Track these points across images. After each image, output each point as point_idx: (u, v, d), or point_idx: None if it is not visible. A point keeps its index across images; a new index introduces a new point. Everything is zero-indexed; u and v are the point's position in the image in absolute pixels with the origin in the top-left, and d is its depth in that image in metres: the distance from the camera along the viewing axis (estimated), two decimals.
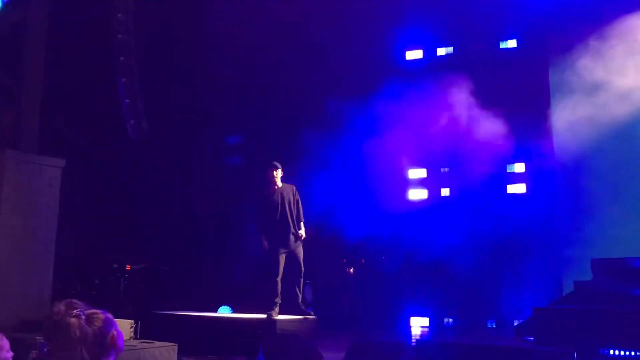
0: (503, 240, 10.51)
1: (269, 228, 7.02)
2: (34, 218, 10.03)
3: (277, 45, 11.58)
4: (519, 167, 11.10)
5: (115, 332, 2.37)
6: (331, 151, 10.89)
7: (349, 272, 12.57)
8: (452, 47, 11.86)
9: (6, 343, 3.19)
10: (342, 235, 10.90)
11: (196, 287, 11.36)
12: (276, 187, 7.11)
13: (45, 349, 3.06)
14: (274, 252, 6.94)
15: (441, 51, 11.94)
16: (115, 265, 11.17)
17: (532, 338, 7.37)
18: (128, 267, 11.25)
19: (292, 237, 7.03)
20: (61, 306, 2.97)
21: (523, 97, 10.91)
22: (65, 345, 2.26)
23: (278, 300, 6.95)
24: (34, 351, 3.15)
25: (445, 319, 11.06)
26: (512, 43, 11.36)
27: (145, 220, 12.11)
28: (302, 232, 7.14)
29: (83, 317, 2.30)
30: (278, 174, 7.16)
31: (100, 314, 2.37)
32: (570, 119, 10.00)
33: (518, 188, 11.11)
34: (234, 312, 8.79)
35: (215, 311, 8.86)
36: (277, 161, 7.34)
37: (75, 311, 2.30)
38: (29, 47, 10.56)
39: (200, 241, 12.28)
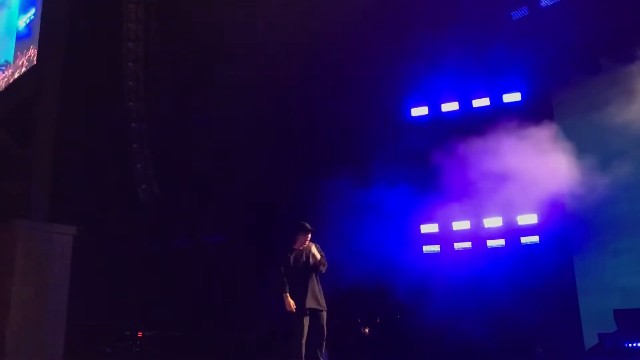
0: (521, 294, 10.36)
1: (294, 288, 6.84)
2: (45, 287, 9.94)
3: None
4: (531, 219, 11.04)
5: None
6: (340, 206, 10.88)
7: (364, 332, 12.32)
8: (456, 102, 12.03)
9: None
10: (355, 293, 10.76)
11: (209, 352, 11.12)
12: (302, 247, 6.96)
13: None
14: (299, 312, 6.77)
15: (446, 107, 12.10)
16: (127, 333, 10.99)
17: None
18: (140, 334, 11.07)
19: (317, 298, 6.85)
20: None
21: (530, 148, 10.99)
22: None
23: None
24: None
25: None
26: (516, 96, 11.52)
27: (157, 286, 12.00)
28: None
29: None
30: (308, 237, 7.00)
31: None
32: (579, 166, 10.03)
33: (531, 239, 11.03)
34: None
35: None
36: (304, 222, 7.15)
37: None
38: (40, 118, 10.75)
39: (211, 306, 12.11)
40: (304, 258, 6.87)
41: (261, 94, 11.25)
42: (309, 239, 6.90)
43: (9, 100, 11.77)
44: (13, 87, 11.71)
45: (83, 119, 11.25)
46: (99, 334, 11.03)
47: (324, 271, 6.85)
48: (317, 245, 7.00)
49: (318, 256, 6.81)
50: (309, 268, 6.82)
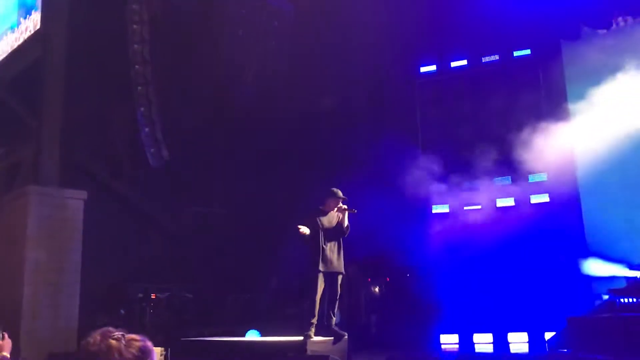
0: (529, 253, 10.37)
1: (314, 248, 6.93)
2: (58, 251, 10.10)
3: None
4: (541, 177, 10.97)
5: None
6: (351, 169, 10.87)
7: (375, 291, 12.45)
8: (465, 60, 11.87)
9: None
10: (367, 254, 10.82)
11: (221, 313, 11.30)
12: (331, 212, 7.04)
13: None
14: (316, 272, 6.85)
15: (455, 64, 11.95)
16: (140, 295, 11.17)
17: (566, 350, 7.20)
18: (153, 296, 11.24)
19: (334, 259, 6.94)
20: (97, 336, 2.96)
21: (541, 105, 10.87)
22: None
23: (314, 321, 6.85)
24: None
25: (475, 335, 10.86)
26: (525, 52, 11.34)
27: (169, 248, 12.14)
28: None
29: (123, 341, 2.27)
30: (339, 203, 7.07)
31: (140, 341, 2.31)
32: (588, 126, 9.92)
33: (541, 198, 10.98)
34: (262, 336, 8.71)
35: (243, 336, 8.79)
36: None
37: (116, 334, 2.27)
38: (48, 83, 10.71)
39: (223, 266, 12.24)
40: (330, 222, 6.94)
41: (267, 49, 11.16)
42: (340, 204, 6.97)
43: (15, 66, 11.72)
44: (18, 52, 11.64)
45: (90, 81, 11.20)
46: (113, 296, 11.21)
47: (345, 235, 6.96)
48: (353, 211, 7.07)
49: (346, 222, 6.91)
50: (334, 232, 6.91)
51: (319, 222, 6.90)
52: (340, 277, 6.96)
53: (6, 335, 3.25)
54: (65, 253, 10.13)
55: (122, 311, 11.10)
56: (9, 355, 3.28)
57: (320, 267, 6.77)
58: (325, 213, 6.99)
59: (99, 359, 2.27)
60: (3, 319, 9.65)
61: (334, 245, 6.90)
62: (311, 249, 6.90)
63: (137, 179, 12.10)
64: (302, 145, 12.14)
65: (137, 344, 2.30)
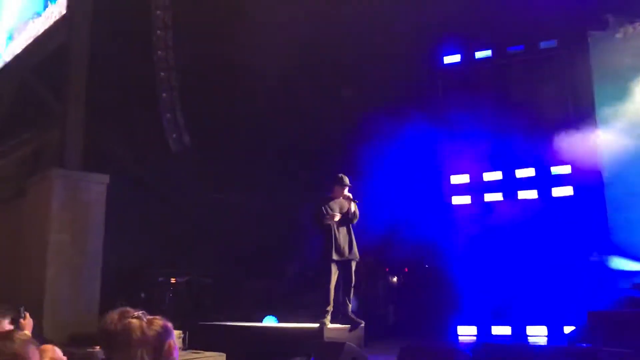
0: (550, 245, 10.25)
1: (326, 236, 6.95)
2: (81, 234, 10.26)
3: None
4: (565, 169, 10.81)
5: (172, 342, 2.34)
6: (371, 159, 10.83)
7: (392, 281, 12.43)
8: (489, 50, 11.71)
9: (60, 355, 3.25)
10: (384, 244, 10.80)
11: (240, 298, 11.38)
12: (339, 199, 7.04)
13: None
14: (329, 261, 6.87)
15: (479, 54, 11.79)
16: (160, 279, 11.31)
17: (586, 345, 7.11)
18: (173, 280, 11.37)
19: (347, 246, 6.95)
20: (114, 315, 3.01)
21: (566, 97, 10.71)
22: (124, 346, 2.24)
23: (330, 308, 6.88)
24: None
25: (493, 327, 10.79)
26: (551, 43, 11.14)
27: (189, 234, 12.24)
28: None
29: (144, 320, 2.29)
30: (345, 190, 7.06)
31: (160, 321, 2.34)
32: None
33: (564, 190, 10.81)
34: (279, 322, 8.77)
35: (261, 321, 8.85)
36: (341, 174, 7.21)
37: (135, 313, 2.29)
38: (72, 67, 10.84)
39: (242, 252, 12.33)
40: (341, 209, 6.96)
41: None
42: (345, 191, 6.97)
43: (40, 51, 11.88)
44: (44, 37, 11.79)
45: (114, 67, 11.30)
46: (134, 280, 11.36)
47: (354, 222, 6.96)
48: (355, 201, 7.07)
49: (353, 209, 6.92)
50: (344, 219, 6.93)
51: (329, 210, 6.91)
52: (354, 264, 6.96)
53: (27, 315, 3.32)
54: (87, 236, 10.28)
55: (143, 295, 11.24)
56: (30, 334, 3.34)
57: (334, 256, 6.79)
58: (334, 200, 7.00)
59: (119, 338, 2.32)
60: (28, 300, 9.85)
61: (345, 232, 6.91)
62: (323, 237, 6.92)
63: (158, 164, 12.21)
64: (322, 133, 12.12)
65: (159, 322, 2.34)
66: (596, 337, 6.80)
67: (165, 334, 2.30)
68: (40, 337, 7.97)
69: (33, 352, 2.40)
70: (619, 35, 9.92)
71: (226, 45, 11.47)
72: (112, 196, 10.61)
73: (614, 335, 6.44)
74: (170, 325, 2.35)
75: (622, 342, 6.15)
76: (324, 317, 6.75)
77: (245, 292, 11.82)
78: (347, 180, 7.04)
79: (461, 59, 11.94)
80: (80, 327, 9.34)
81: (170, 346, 2.30)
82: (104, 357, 3.16)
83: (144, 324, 2.27)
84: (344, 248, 6.87)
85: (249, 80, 11.41)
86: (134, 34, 11.21)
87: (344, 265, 6.94)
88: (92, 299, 10.12)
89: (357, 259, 6.99)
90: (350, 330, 6.82)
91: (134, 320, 2.27)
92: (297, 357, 2.32)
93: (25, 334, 3.26)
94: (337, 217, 6.88)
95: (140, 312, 2.30)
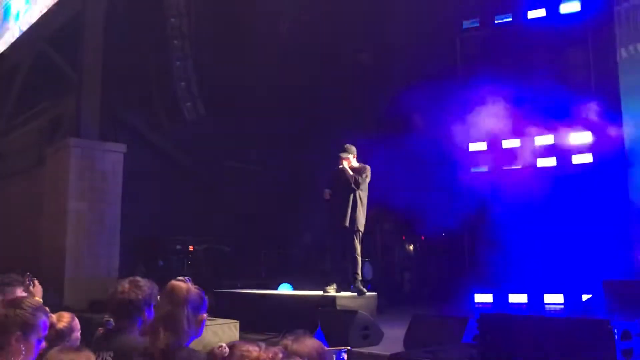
0: (569, 214, 10.11)
1: (329, 206, 7.00)
2: (99, 202, 10.41)
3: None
4: (586, 137, 10.58)
5: (205, 315, 2.61)
6: (388, 126, 10.74)
7: (409, 249, 12.43)
8: (510, 15, 11.39)
9: (77, 323, 3.32)
10: (401, 212, 10.75)
11: (256, 266, 11.48)
12: (340, 167, 7.03)
13: (111, 326, 3.16)
14: (328, 230, 6.95)
15: (499, 19, 11.48)
16: (178, 247, 11.44)
17: (600, 314, 7.05)
18: (191, 248, 11.50)
19: (348, 215, 6.94)
20: (125, 284, 3.09)
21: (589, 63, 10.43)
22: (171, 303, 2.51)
23: (335, 278, 6.97)
24: (100, 328, 3.24)
25: (510, 295, 10.77)
26: (574, 6, 10.79)
27: (206, 202, 12.32)
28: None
29: (189, 282, 2.59)
30: (341, 158, 7.08)
31: (200, 291, 2.63)
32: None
33: (584, 158, 10.61)
34: (294, 289, 8.84)
35: (276, 289, 8.93)
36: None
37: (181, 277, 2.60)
38: (87, 37, 10.83)
39: (259, 221, 12.39)
40: (340, 178, 6.95)
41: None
42: (342, 159, 6.97)
43: (56, 20, 11.86)
44: (59, 6, 11.76)
45: (128, 35, 11.27)
46: (152, 247, 11.51)
47: (357, 189, 6.91)
48: (364, 167, 7.04)
49: (348, 173, 6.87)
50: (343, 187, 6.91)
51: (330, 180, 6.94)
52: (359, 234, 6.95)
53: (36, 282, 3.37)
54: (105, 204, 10.42)
55: (161, 262, 11.40)
56: (41, 300, 3.40)
57: (336, 225, 6.83)
58: (336, 170, 7.02)
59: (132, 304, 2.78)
60: (49, 267, 10.07)
61: (346, 201, 6.88)
62: (328, 207, 6.98)
63: (175, 132, 12.24)
64: (338, 102, 12.01)
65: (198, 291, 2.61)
66: (610, 306, 6.74)
67: (203, 303, 2.61)
68: (61, 304, 8.14)
69: (43, 319, 2.43)
70: None
71: (242, 9, 11.35)
72: (130, 165, 10.70)
73: (628, 305, 6.38)
74: (206, 299, 2.64)
75: (636, 312, 6.09)
76: (327, 285, 6.88)
77: (261, 261, 11.92)
78: (346, 148, 7.12)
79: (480, 23, 11.66)
80: (100, 293, 9.52)
81: (203, 318, 2.58)
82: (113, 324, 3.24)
83: (190, 285, 2.58)
84: (344, 216, 6.87)
85: (264, 46, 11.31)
86: (148, 1, 11.12)
87: (343, 234, 6.97)
88: (111, 267, 10.31)
89: (354, 228, 6.94)
90: (362, 298, 6.85)
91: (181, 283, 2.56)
92: (300, 330, 2.37)
93: (37, 300, 3.32)
94: (327, 196, 6.95)
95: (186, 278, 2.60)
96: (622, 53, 10.02)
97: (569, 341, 4.05)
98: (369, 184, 7.24)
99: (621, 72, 9.99)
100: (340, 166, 6.94)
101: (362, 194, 7.02)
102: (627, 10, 10.06)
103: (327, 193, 6.98)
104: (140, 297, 2.94)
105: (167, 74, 11.06)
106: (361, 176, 6.94)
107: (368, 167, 7.13)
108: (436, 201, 10.47)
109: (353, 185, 6.90)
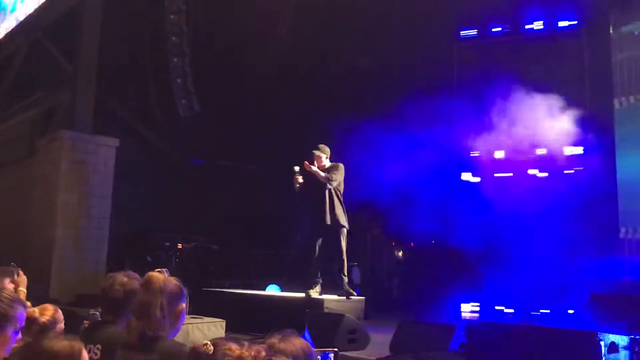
0: (557, 224, 10.15)
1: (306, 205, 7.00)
2: (89, 196, 10.35)
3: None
4: (577, 149, 10.65)
5: (185, 306, 2.57)
6: (382, 131, 10.73)
7: (398, 255, 12.43)
8: (507, 25, 11.46)
9: (60, 315, 3.29)
10: (391, 218, 10.74)
11: (244, 266, 11.45)
12: (313, 170, 7.00)
13: (98, 320, 3.15)
14: (311, 231, 6.94)
15: (497, 29, 11.55)
16: (167, 243, 11.39)
17: (587, 328, 7.08)
18: (180, 246, 11.45)
19: (327, 215, 6.91)
20: (123, 277, 3.11)
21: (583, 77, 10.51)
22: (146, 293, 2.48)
23: (317, 279, 6.97)
24: (85, 322, 3.22)
25: (497, 306, 10.79)
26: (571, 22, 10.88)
27: (197, 200, 12.28)
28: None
29: (166, 274, 2.55)
30: (316, 155, 7.08)
31: (178, 283, 2.59)
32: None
33: (576, 169, 10.67)
34: (282, 291, 8.82)
35: (264, 290, 8.90)
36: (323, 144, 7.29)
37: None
38: (84, 30, 10.78)
39: (249, 221, 12.36)
40: (313, 179, 6.95)
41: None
42: (314, 156, 6.98)
43: (53, 11, 11.81)
44: None
45: (126, 30, 11.23)
46: (141, 243, 11.46)
47: (329, 186, 6.89)
48: (335, 164, 7.03)
49: (319, 175, 6.85)
50: (317, 187, 6.90)
51: (302, 180, 6.92)
52: (342, 230, 6.92)
53: (21, 272, 3.34)
54: (95, 198, 10.36)
55: (149, 258, 11.34)
56: (25, 290, 3.37)
57: (316, 225, 6.82)
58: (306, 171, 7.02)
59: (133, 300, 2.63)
60: (36, 258, 10.00)
61: (322, 200, 6.86)
62: (307, 208, 6.97)
63: (168, 129, 12.20)
64: (335, 103, 12.01)
65: (176, 282, 2.58)
66: (598, 319, 6.78)
67: (180, 294, 2.55)
68: (47, 297, 8.07)
69: (20, 311, 2.40)
70: None
71: (239, 11, 11.34)
72: (122, 159, 10.65)
73: (615, 318, 6.41)
74: (185, 291, 2.59)
75: (623, 325, 6.12)
76: (310, 287, 6.87)
77: (250, 261, 11.89)
78: (317, 149, 7.12)
79: (478, 32, 11.72)
80: (87, 287, 9.48)
81: (182, 309, 2.55)
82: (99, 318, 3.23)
83: (166, 276, 2.53)
84: (323, 217, 6.85)
85: (263, 47, 11.29)
86: None
87: (325, 234, 6.97)
88: (99, 261, 10.25)
89: (338, 228, 6.91)
90: (349, 301, 6.84)
91: (157, 274, 2.51)
92: (288, 329, 2.33)
93: (18, 292, 3.29)
94: (298, 182, 6.94)
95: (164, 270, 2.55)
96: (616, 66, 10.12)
97: (556, 351, 4.06)
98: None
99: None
100: (308, 168, 6.90)
101: (338, 191, 7.01)
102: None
103: (297, 179, 6.96)
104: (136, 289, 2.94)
105: (164, 69, 11.03)
106: (331, 173, 6.93)
107: (341, 165, 7.12)
108: (427, 208, 10.49)
109: (327, 183, 6.88)
